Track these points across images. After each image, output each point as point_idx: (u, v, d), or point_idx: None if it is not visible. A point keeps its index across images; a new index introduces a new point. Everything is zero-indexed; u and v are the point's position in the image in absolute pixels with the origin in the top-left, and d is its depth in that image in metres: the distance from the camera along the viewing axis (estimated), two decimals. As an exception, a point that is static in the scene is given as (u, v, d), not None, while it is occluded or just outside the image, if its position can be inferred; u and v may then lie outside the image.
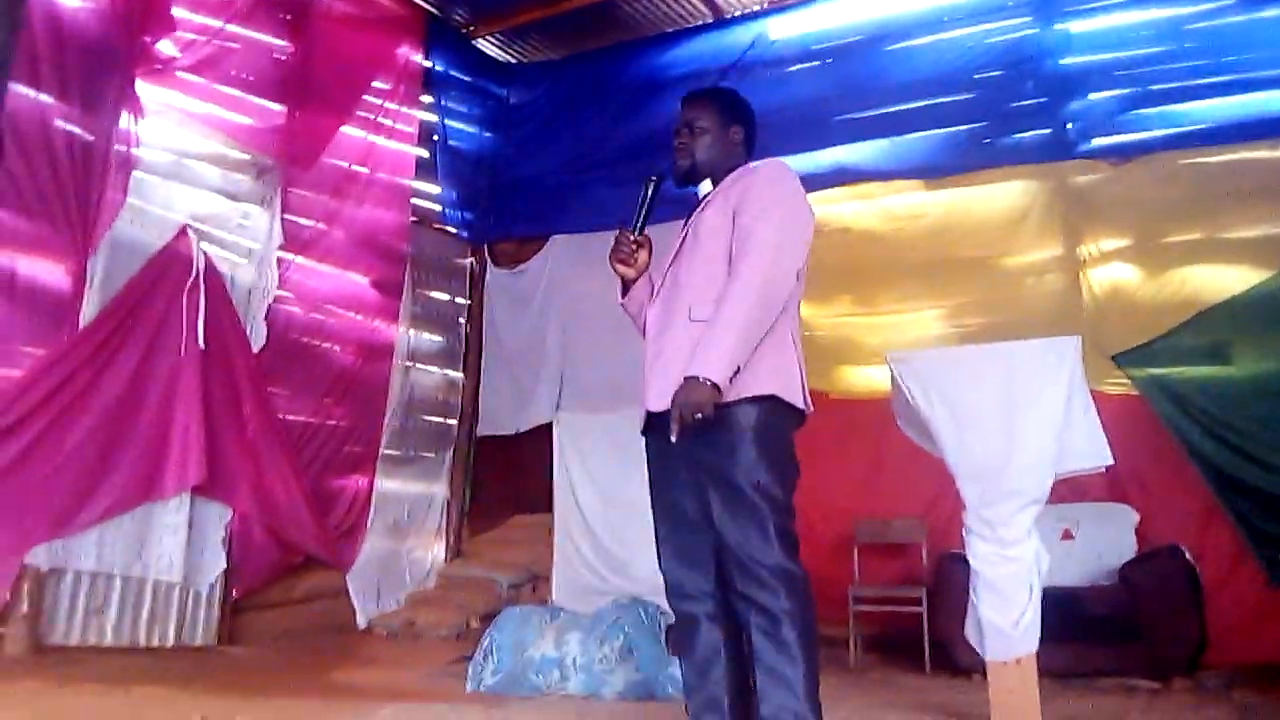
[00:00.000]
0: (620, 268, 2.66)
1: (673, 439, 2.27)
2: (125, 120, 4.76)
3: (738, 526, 2.29)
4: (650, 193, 2.65)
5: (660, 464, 2.54)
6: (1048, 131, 5.66)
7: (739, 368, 2.29)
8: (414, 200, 6.63)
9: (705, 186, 2.63)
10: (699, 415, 2.22)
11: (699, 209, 2.57)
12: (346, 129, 6.01)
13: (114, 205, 4.72)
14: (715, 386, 2.24)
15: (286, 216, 5.60)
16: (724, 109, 2.73)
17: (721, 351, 2.27)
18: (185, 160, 5.16)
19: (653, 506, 2.57)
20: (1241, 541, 4.87)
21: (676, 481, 2.45)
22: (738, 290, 2.33)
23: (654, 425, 2.51)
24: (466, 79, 7.10)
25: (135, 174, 4.83)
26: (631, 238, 2.63)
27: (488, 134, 7.27)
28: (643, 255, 2.67)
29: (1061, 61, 5.69)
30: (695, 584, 2.43)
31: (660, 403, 2.38)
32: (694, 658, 2.43)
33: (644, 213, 2.66)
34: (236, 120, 5.40)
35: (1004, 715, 3.03)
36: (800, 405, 2.42)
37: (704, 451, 2.34)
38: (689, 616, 2.45)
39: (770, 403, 2.35)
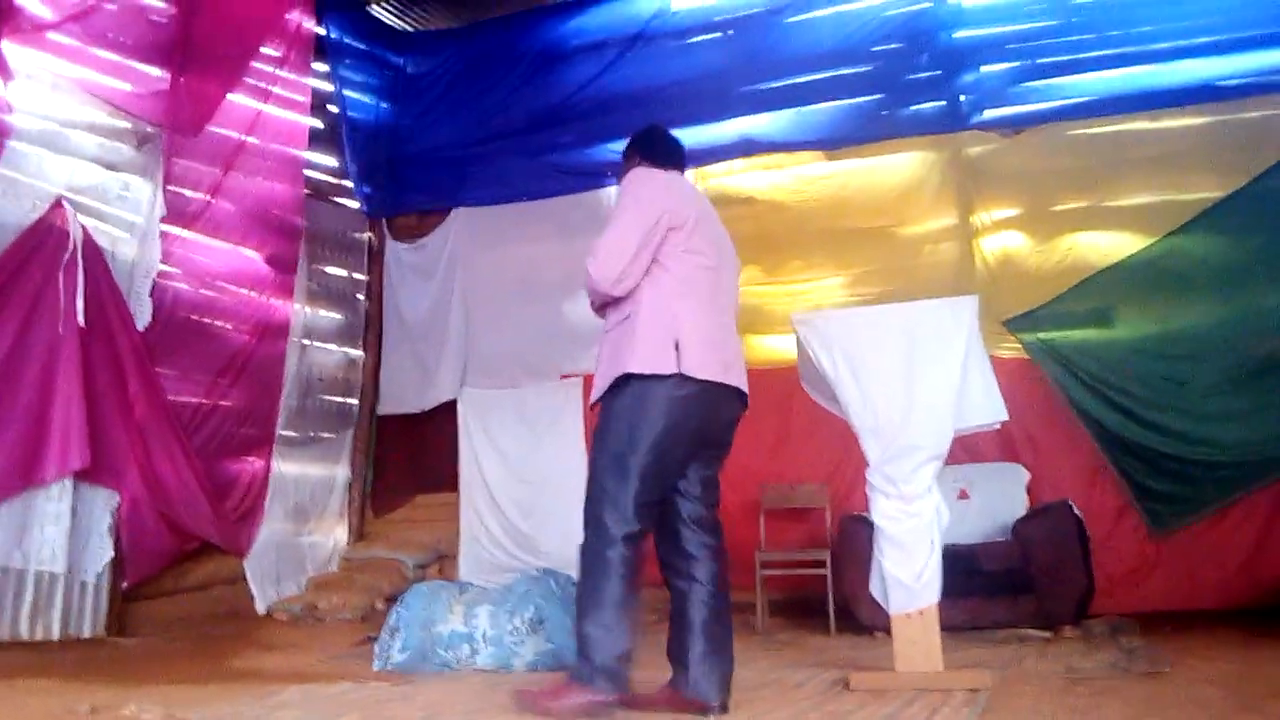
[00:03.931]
0: None
1: None
2: (-8, 85, 4.47)
3: None
4: None
5: None
6: (942, 103, 5.82)
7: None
8: (308, 172, 6.40)
9: None
10: None
11: None
12: (234, 97, 5.74)
13: (-19, 175, 4.44)
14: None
15: (170, 188, 5.33)
16: (623, 158, 3.24)
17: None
18: (59, 128, 4.87)
19: None
20: (1125, 497, 5.11)
21: None
22: None
23: None
24: (361, 46, 6.88)
25: (6, 143, 4.54)
26: None
27: (385, 104, 7.06)
28: None
29: (955, 35, 5.83)
30: None
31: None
32: None
33: None
34: (115, 86, 5.11)
35: (907, 665, 3.10)
36: (662, 370, 2.74)
37: None
38: None
39: (618, 385, 2.81)
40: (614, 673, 2.69)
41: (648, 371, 2.74)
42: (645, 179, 3.01)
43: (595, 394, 2.90)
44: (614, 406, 2.81)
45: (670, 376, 2.74)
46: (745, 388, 2.94)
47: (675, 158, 3.23)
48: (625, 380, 2.78)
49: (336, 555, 6.39)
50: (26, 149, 4.70)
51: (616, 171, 3.21)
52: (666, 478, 2.82)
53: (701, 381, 2.77)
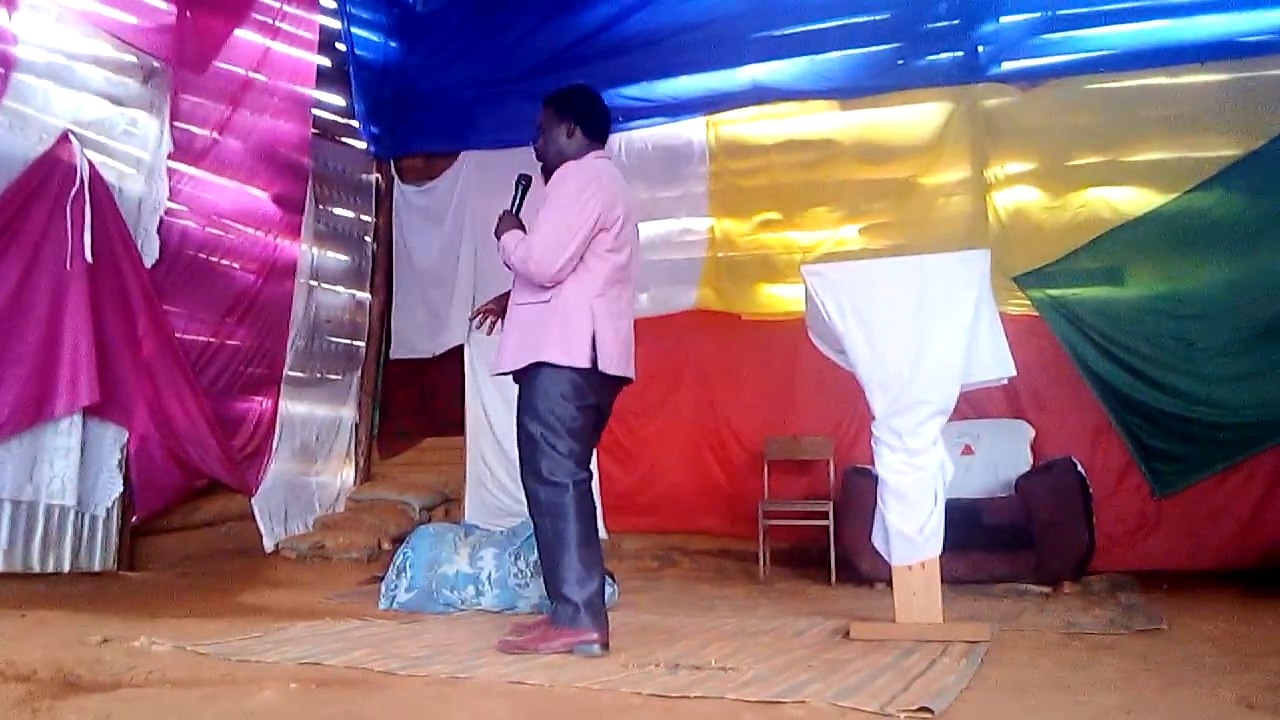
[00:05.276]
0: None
1: None
2: (-4, 14, 4.40)
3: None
4: (520, 194, 3.29)
5: None
6: (960, 54, 5.71)
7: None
8: (315, 112, 6.33)
9: None
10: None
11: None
12: (241, 32, 5.65)
13: (-14, 107, 4.39)
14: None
15: (177, 124, 5.27)
16: (556, 110, 3.25)
17: None
18: (65, 60, 4.79)
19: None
20: (1129, 456, 5.12)
21: None
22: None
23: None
24: (370, -18, 6.77)
25: (12, 75, 4.48)
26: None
27: (393, 43, 6.94)
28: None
29: (974, -17, 5.71)
30: None
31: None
32: None
33: (517, 209, 3.27)
34: (121, 18, 5.03)
35: (907, 616, 3.14)
36: (580, 364, 2.98)
37: None
38: None
39: (539, 367, 3.02)
40: (595, 609, 2.88)
41: (565, 363, 2.98)
42: (586, 175, 3.09)
43: (508, 366, 3.09)
44: (538, 384, 3.02)
45: (584, 369, 2.99)
46: (634, 375, 3.22)
47: (606, 130, 3.35)
48: (543, 363, 3.01)
49: (343, 496, 6.44)
50: (32, 81, 4.63)
51: (541, 122, 3.30)
52: (593, 435, 3.13)
53: (608, 375, 3.05)
